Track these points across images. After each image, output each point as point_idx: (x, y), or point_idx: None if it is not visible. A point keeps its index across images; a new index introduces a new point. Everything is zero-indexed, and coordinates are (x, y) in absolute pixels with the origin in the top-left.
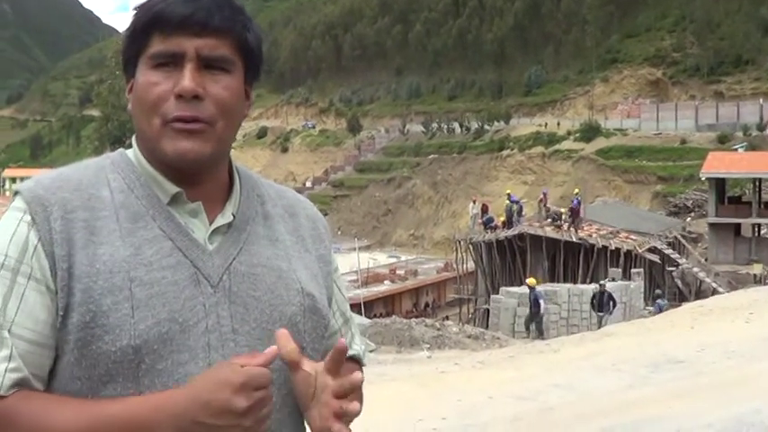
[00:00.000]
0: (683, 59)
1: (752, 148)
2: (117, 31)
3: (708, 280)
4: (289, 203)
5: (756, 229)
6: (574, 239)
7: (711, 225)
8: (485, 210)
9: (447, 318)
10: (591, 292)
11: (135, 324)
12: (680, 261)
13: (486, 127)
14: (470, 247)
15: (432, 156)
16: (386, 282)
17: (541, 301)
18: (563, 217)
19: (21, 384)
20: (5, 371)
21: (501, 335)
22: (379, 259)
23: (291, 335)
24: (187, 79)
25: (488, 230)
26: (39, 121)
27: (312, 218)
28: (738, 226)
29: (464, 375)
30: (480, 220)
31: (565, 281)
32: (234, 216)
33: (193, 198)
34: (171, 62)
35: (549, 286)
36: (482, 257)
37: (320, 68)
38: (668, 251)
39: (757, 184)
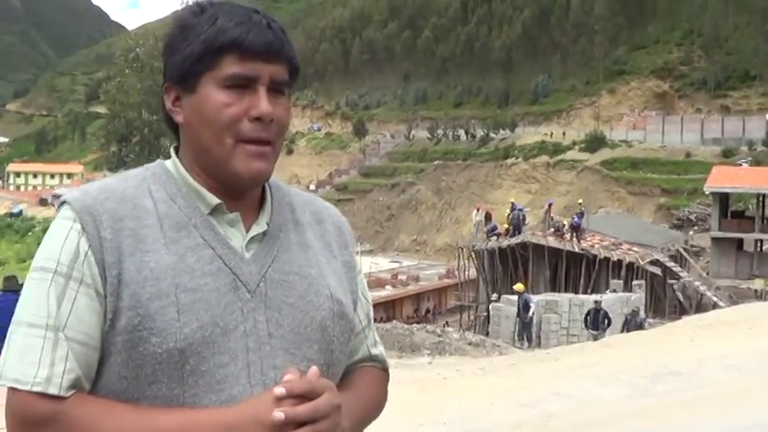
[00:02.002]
0: (690, 73)
1: (756, 163)
2: (125, 28)
3: (709, 294)
4: (316, 210)
5: (759, 245)
6: (576, 250)
7: (714, 239)
8: (488, 217)
9: (447, 324)
10: (592, 302)
11: (180, 328)
12: (681, 274)
13: (492, 134)
14: (473, 254)
15: (436, 162)
16: (387, 287)
17: (531, 305)
18: (565, 227)
19: (75, 385)
20: (63, 372)
21: (501, 342)
22: (381, 264)
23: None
24: (265, 104)
25: (491, 238)
26: (44, 116)
27: (338, 224)
28: (741, 241)
29: (465, 381)
30: (484, 228)
31: (566, 291)
32: (268, 225)
33: (231, 209)
34: (243, 84)
35: (549, 296)
36: (484, 265)
37: (327, 71)
38: (670, 264)
39: (761, 199)
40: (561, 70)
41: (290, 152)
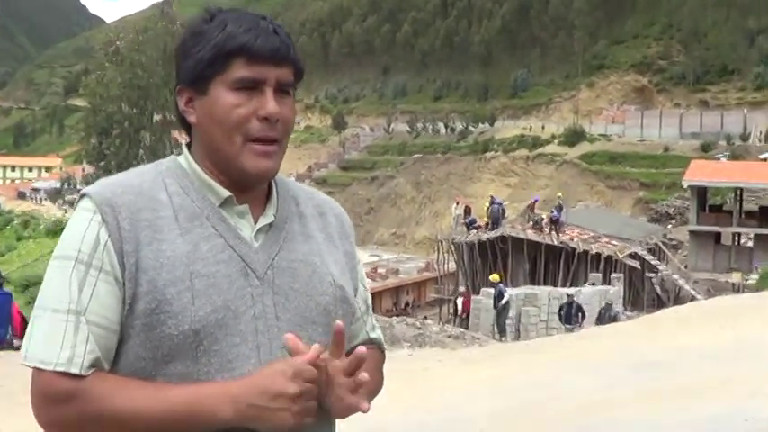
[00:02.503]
0: (669, 67)
1: (734, 157)
2: (104, 21)
3: (687, 287)
4: (318, 204)
5: (736, 238)
6: (555, 243)
7: (692, 233)
8: (468, 211)
9: (426, 318)
10: (566, 294)
11: (195, 311)
12: (660, 267)
13: (471, 128)
14: (452, 247)
15: (416, 155)
16: (367, 280)
17: (506, 295)
18: (544, 221)
19: (95, 365)
20: (84, 352)
21: (481, 335)
22: (361, 257)
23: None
24: (272, 104)
25: (471, 231)
26: (22, 109)
27: (339, 217)
28: (719, 234)
29: (447, 372)
30: (464, 221)
31: (545, 284)
32: (274, 216)
33: (241, 201)
34: (251, 86)
35: (529, 289)
36: (463, 258)
37: (307, 65)
38: (648, 257)
39: (738, 193)
40: (540, 64)
41: None
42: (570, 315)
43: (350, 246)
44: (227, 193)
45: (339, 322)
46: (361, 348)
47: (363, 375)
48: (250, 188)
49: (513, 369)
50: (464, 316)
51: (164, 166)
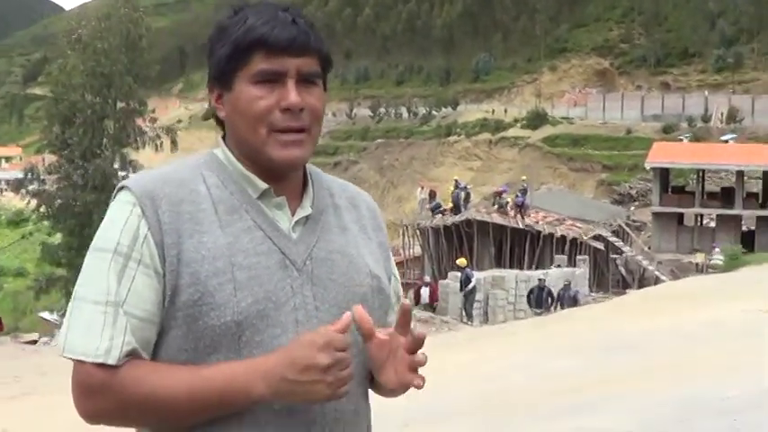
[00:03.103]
0: (630, 50)
1: (696, 139)
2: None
3: (651, 268)
4: (351, 196)
5: (699, 219)
6: (520, 226)
7: (655, 214)
8: (432, 195)
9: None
10: (536, 280)
11: (237, 302)
12: (624, 249)
13: (434, 112)
14: (417, 232)
15: (378, 140)
16: None
17: (472, 280)
18: (509, 204)
19: (131, 355)
20: (122, 344)
21: (450, 319)
22: None
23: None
24: (293, 95)
25: (436, 216)
26: None
27: (371, 209)
28: (681, 215)
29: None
30: (429, 206)
31: (511, 267)
32: (311, 208)
33: (278, 193)
34: (273, 79)
35: (496, 272)
36: (429, 242)
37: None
38: (612, 239)
39: (701, 174)
40: (502, 48)
41: None
42: (541, 299)
43: (383, 237)
44: (264, 186)
45: (407, 302)
46: (423, 332)
47: (423, 356)
48: (284, 179)
49: (491, 353)
50: (434, 306)
51: (201, 159)
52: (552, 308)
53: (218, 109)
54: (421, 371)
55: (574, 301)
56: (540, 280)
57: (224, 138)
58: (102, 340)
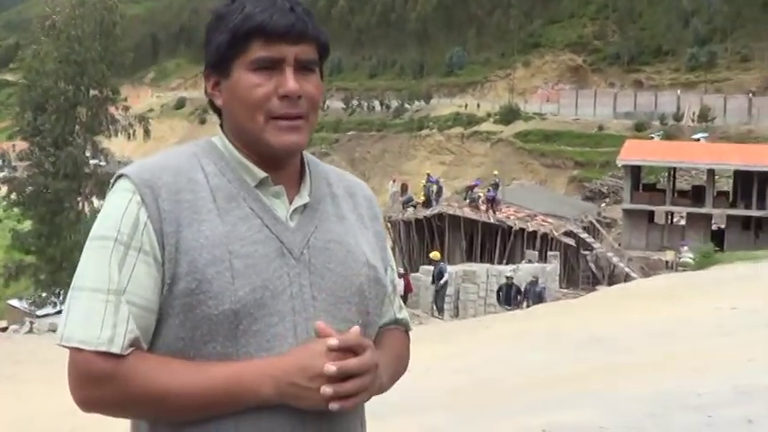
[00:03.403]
0: (604, 47)
1: (668, 137)
2: None
3: (621, 265)
4: (348, 185)
5: (669, 217)
6: (492, 221)
7: (626, 211)
8: (404, 189)
9: None
10: (505, 275)
11: (235, 291)
12: (594, 245)
13: (407, 106)
14: (389, 225)
15: (351, 132)
16: None
17: (445, 275)
18: (480, 199)
19: (134, 344)
20: (125, 332)
21: (421, 312)
22: None
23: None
24: (291, 82)
25: (408, 209)
26: None
27: (368, 198)
28: (652, 213)
29: None
30: (401, 199)
31: (482, 261)
32: (309, 197)
33: (276, 182)
34: (271, 66)
35: (467, 266)
36: (400, 236)
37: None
38: (583, 235)
39: (672, 172)
40: (476, 43)
41: (202, 122)
42: (510, 296)
43: (380, 226)
44: (263, 174)
45: (356, 327)
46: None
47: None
48: (282, 167)
49: (466, 346)
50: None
51: (199, 147)
52: (521, 305)
53: (214, 96)
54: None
55: (539, 298)
56: (507, 277)
57: (221, 125)
58: (104, 328)
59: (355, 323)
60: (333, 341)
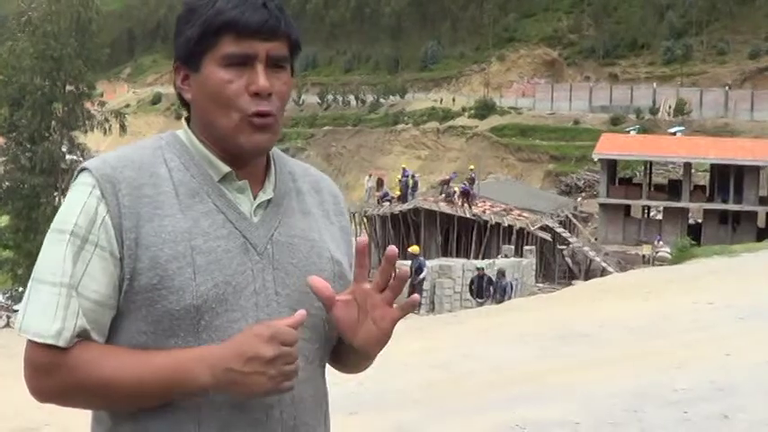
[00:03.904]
0: (579, 41)
1: (644, 131)
2: None
3: (597, 259)
4: (314, 180)
5: (646, 211)
6: (468, 215)
7: (602, 205)
8: (380, 183)
9: None
10: (476, 267)
11: (197, 286)
12: (571, 240)
13: (382, 100)
14: (365, 219)
15: (326, 127)
16: None
17: (424, 269)
18: (455, 194)
19: (82, 336)
20: (74, 327)
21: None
22: None
23: None
24: (262, 79)
25: (384, 204)
26: None
27: (333, 194)
28: (628, 207)
29: None
30: (377, 193)
31: (458, 256)
32: (273, 192)
33: (240, 177)
34: (242, 62)
35: (443, 261)
36: (376, 230)
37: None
38: (559, 230)
39: (648, 166)
40: (451, 37)
41: (179, 117)
42: (482, 288)
43: (345, 222)
44: (227, 169)
45: (363, 238)
46: (391, 249)
47: (401, 270)
48: (248, 163)
49: (442, 341)
50: None
51: (163, 140)
52: (493, 297)
53: (183, 90)
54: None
55: (503, 292)
56: (478, 269)
57: (188, 119)
58: (54, 322)
59: (320, 318)
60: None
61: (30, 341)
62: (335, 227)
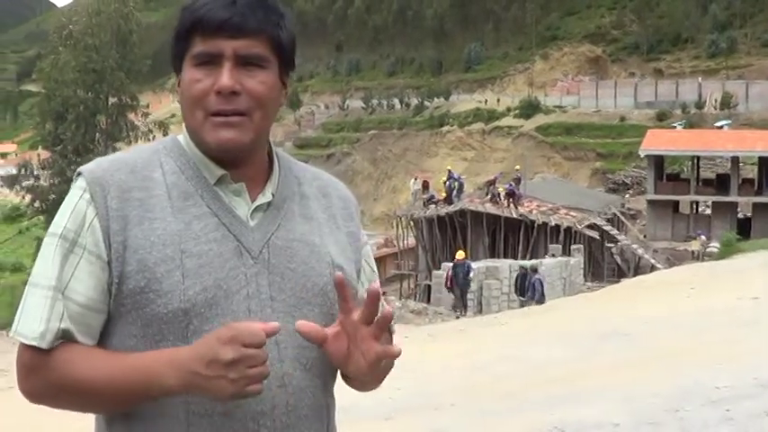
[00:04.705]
0: (622, 37)
1: (690, 125)
2: (55, 6)
3: (646, 256)
4: (323, 184)
5: (694, 207)
6: (514, 216)
7: (650, 202)
8: (426, 186)
9: (385, 293)
10: (519, 265)
11: (185, 290)
12: (619, 237)
13: (426, 103)
14: (411, 222)
15: (371, 132)
16: None
17: (472, 273)
18: (501, 195)
19: (66, 338)
20: (58, 329)
21: (443, 310)
22: None
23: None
24: (225, 77)
25: (430, 206)
26: None
27: (343, 198)
28: (677, 203)
29: (416, 348)
30: (423, 196)
31: (505, 257)
32: (273, 195)
33: (237, 179)
34: (211, 61)
35: (490, 262)
36: (423, 233)
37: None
38: (607, 228)
39: (695, 161)
40: (494, 37)
41: None
42: (524, 286)
43: (354, 227)
44: (221, 171)
45: (339, 273)
46: (388, 309)
47: (385, 311)
48: (242, 164)
49: (484, 343)
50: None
51: (163, 144)
52: (537, 297)
53: (178, 93)
54: (410, 362)
55: (533, 288)
56: (521, 267)
57: None
58: (40, 324)
59: (318, 324)
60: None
61: (20, 342)
62: (342, 232)
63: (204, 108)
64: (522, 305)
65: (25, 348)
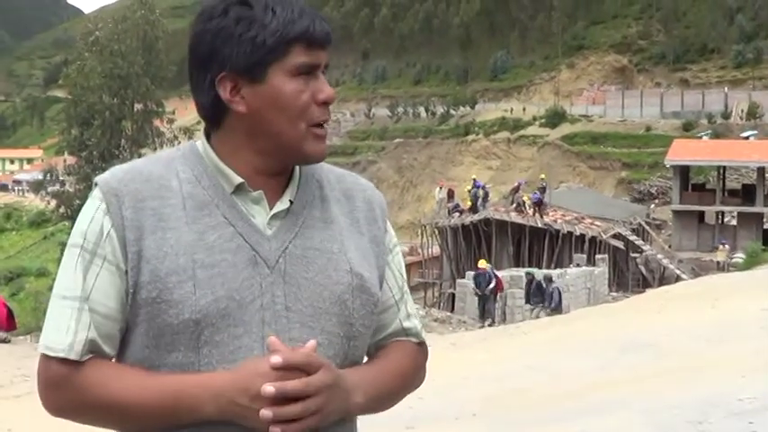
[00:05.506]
0: (648, 47)
1: (716, 136)
2: (81, 12)
3: (671, 266)
4: (347, 187)
5: (720, 217)
6: (539, 225)
7: (675, 212)
8: (451, 195)
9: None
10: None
11: (196, 300)
12: (644, 247)
13: (452, 111)
14: (436, 231)
15: (397, 140)
16: None
17: (493, 281)
18: (526, 204)
19: (94, 350)
20: (85, 340)
21: (467, 318)
22: None
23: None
24: (329, 88)
25: (454, 215)
26: (3, 101)
27: (369, 200)
28: (702, 213)
29: (438, 357)
30: (448, 205)
31: (530, 266)
32: (291, 202)
33: (258, 187)
34: (308, 72)
35: (514, 271)
36: (447, 242)
37: None
38: (632, 237)
39: (721, 171)
40: (520, 46)
41: None
42: (533, 294)
43: (378, 231)
44: (239, 180)
45: (312, 341)
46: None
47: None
48: (282, 173)
49: (505, 353)
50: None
51: (180, 152)
52: (543, 304)
53: (234, 103)
54: (431, 370)
55: (550, 298)
56: (527, 273)
57: (208, 133)
58: (66, 335)
59: (336, 335)
60: (275, 359)
61: (42, 355)
62: (365, 237)
63: (307, 119)
64: (531, 312)
65: (51, 361)
